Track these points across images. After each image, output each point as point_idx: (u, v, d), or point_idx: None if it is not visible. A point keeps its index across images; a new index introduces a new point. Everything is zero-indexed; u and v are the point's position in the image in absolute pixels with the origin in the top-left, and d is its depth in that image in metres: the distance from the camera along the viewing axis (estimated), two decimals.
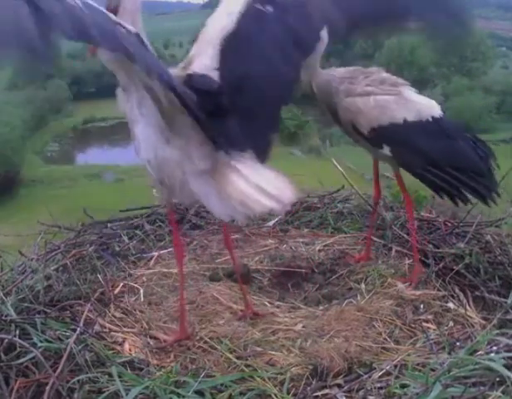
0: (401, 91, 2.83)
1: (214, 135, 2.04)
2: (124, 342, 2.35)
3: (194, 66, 2.21)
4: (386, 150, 2.77)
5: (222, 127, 2.07)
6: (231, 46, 2.23)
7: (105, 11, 1.84)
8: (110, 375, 2.00)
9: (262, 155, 2.14)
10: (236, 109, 2.12)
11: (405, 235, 3.23)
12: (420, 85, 36.07)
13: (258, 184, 1.92)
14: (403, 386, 1.90)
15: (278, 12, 2.29)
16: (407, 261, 3.01)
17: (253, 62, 2.21)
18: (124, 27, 1.80)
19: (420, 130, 2.77)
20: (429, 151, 2.76)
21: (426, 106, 2.84)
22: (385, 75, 2.86)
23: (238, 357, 2.18)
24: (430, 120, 2.80)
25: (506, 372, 1.75)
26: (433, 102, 2.90)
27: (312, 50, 2.41)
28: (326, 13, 2.32)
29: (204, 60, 2.22)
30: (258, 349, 2.26)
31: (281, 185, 1.95)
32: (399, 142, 2.78)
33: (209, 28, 2.30)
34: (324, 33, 2.34)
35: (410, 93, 2.85)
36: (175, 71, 2.18)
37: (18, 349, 2.05)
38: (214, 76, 2.17)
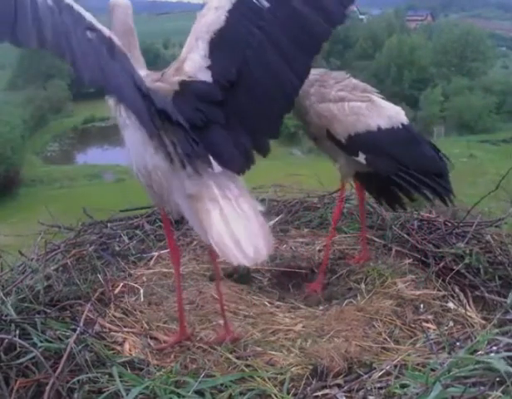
0: (372, 98, 2.84)
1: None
2: (124, 342, 2.35)
3: (186, 66, 2.16)
4: (361, 158, 2.76)
5: (209, 139, 2.00)
6: (220, 43, 2.16)
7: (81, 12, 1.75)
8: (110, 375, 2.00)
9: (250, 161, 2.11)
10: (229, 113, 2.07)
11: (405, 235, 3.23)
12: (421, 85, 36.10)
13: (237, 238, 1.89)
14: (403, 386, 1.90)
15: (277, 4, 2.14)
16: (407, 261, 3.01)
17: (247, 60, 2.11)
18: (95, 31, 1.72)
19: (393, 136, 2.80)
20: (401, 157, 2.79)
21: (396, 113, 2.88)
22: (354, 81, 2.87)
23: (238, 357, 2.18)
24: (400, 126, 2.84)
25: (506, 368, 1.75)
26: (399, 109, 2.92)
27: (328, 34, 2.17)
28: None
29: (195, 57, 2.16)
30: (258, 349, 2.26)
31: (259, 242, 1.92)
32: (374, 149, 2.78)
33: (199, 23, 2.24)
34: None
35: (380, 100, 2.87)
36: (168, 73, 2.15)
37: (18, 349, 2.05)
38: (207, 76, 2.12)
